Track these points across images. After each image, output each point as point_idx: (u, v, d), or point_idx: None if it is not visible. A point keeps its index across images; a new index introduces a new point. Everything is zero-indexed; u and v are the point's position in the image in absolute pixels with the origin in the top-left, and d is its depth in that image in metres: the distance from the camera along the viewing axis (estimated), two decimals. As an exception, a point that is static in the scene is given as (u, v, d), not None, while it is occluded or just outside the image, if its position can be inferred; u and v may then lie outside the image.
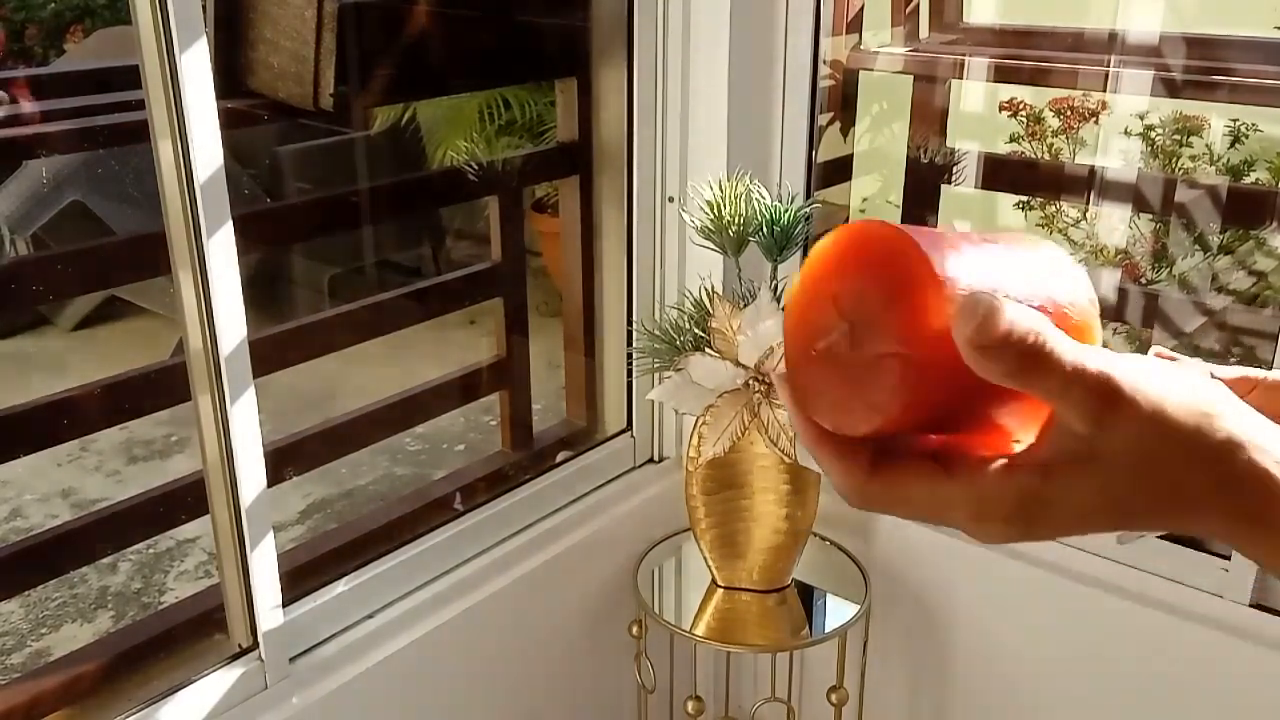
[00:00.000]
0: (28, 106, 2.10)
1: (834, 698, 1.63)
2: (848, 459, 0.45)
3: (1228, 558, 1.45)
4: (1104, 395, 0.42)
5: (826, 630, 1.58)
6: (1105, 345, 0.45)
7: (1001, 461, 0.44)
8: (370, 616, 1.46)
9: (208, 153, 1.15)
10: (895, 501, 0.45)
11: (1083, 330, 0.45)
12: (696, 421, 1.46)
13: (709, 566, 1.59)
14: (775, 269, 1.44)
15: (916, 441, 0.46)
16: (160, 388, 1.62)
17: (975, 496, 0.44)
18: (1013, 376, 0.41)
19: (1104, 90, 2.60)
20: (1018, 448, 0.45)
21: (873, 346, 0.43)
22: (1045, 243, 0.48)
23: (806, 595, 1.64)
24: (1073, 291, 0.46)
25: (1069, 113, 2.76)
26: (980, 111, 2.94)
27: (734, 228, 1.41)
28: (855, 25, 2.09)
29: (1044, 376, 0.41)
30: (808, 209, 1.45)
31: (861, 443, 0.45)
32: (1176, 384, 0.44)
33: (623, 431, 1.84)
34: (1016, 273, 0.44)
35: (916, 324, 0.42)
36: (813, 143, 1.75)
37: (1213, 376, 0.60)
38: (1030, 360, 0.41)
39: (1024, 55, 2.33)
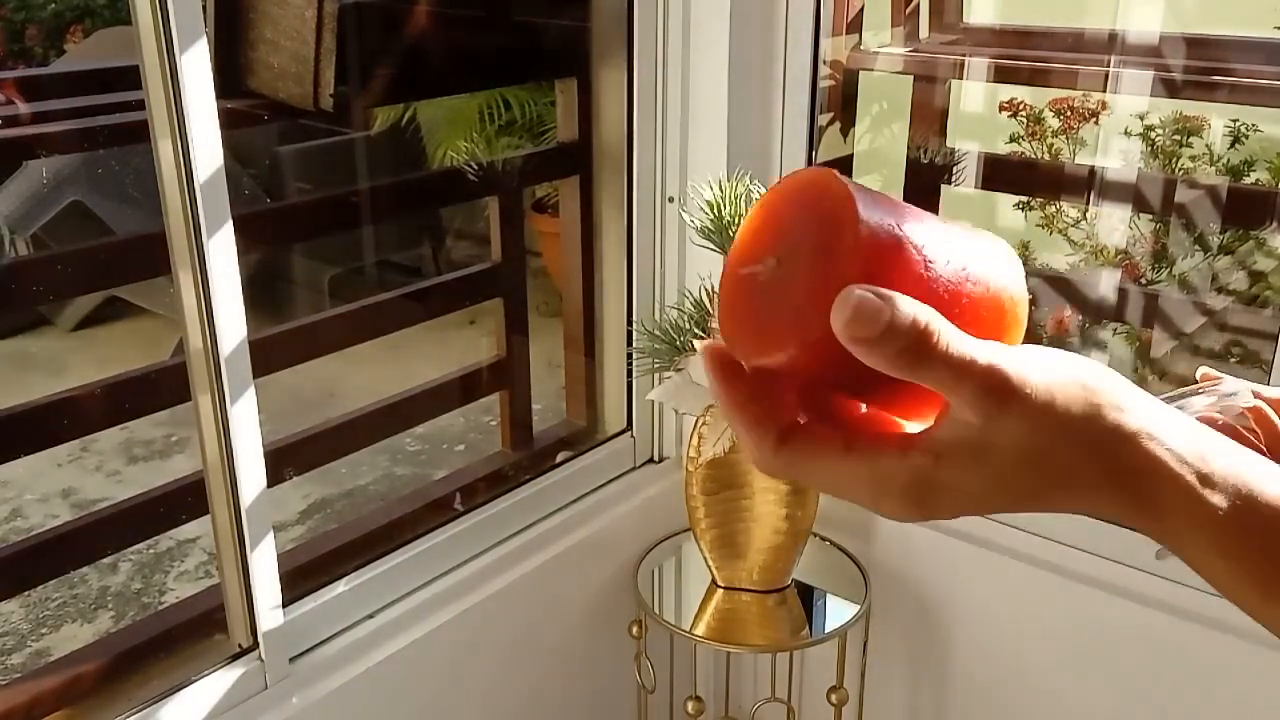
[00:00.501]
0: (28, 106, 2.10)
1: (834, 698, 1.63)
2: (756, 431, 0.46)
3: (1228, 558, 1.45)
4: (993, 389, 0.43)
5: (826, 630, 1.58)
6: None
7: (899, 442, 0.45)
8: (370, 616, 1.46)
9: (208, 153, 1.15)
10: (799, 472, 0.46)
11: (1002, 312, 0.46)
12: (696, 421, 1.46)
13: (709, 566, 1.59)
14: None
15: (834, 412, 0.46)
16: (160, 388, 1.62)
17: (872, 475, 0.45)
18: (897, 368, 0.42)
19: (1104, 90, 2.60)
20: (916, 428, 0.46)
21: (790, 284, 0.44)
22: (995, 237, 0.48)
23: (806, 595, 1.64)
24: (1001, 275, 0.46)
25: (1069, 113, 2.76)
26: (980, 111, 2.94)
27: (734, 228, 1.41)
28: (855, 25, 2.09)
29: (930, 369, 0.42)
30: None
31: (771, 415, 0.46)
32: (1067, 375, 0.44)
33: (623, 431, 1.84)
34: (946, 243, 0.44)
35: (831, 272, 0.42)
36: (813, 143, 1.75)
37: (1256, 396, 0.61)
38: (913, 353, 0.41)
39: (1024, 55, 2.33)
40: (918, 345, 0.41)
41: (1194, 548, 0.45)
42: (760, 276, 0.45)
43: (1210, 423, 0.63)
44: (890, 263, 0.42)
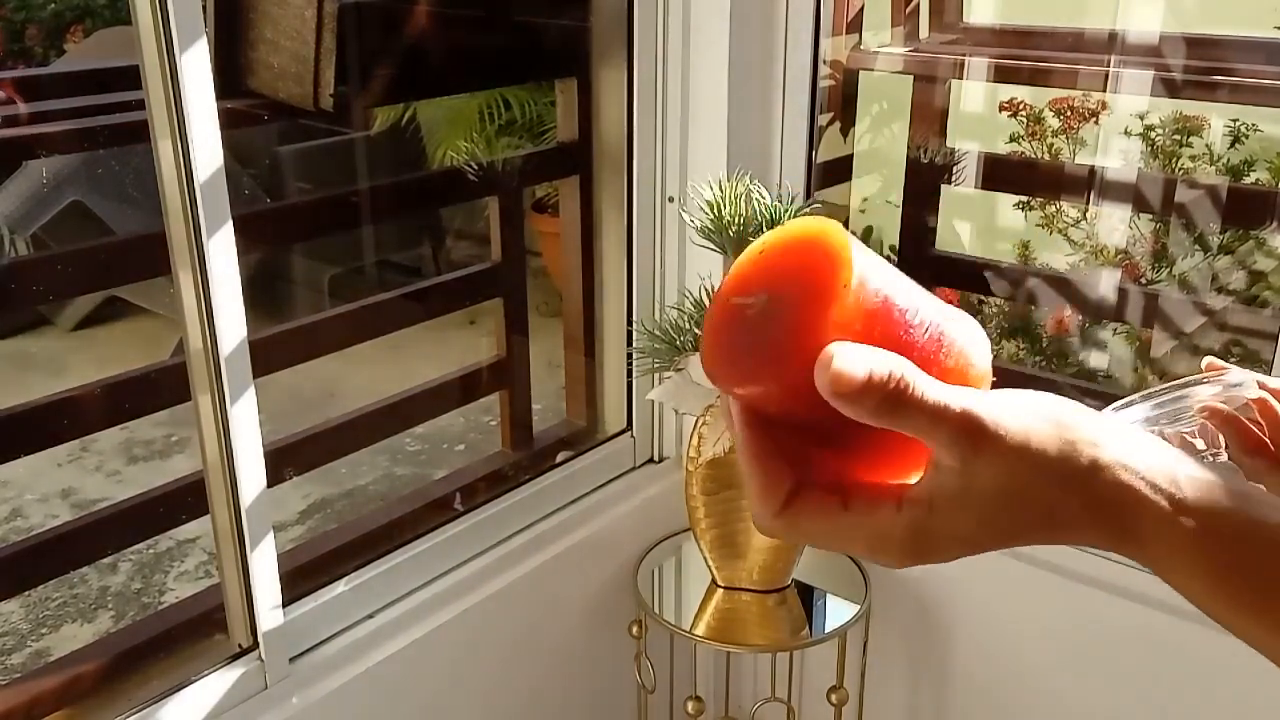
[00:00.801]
0: (28, 106, 2.10)
1: (834, 698, 1.63)
2: (771, 491, 0.48)
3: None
4: (969, 433, 0.45)
5: (826, 630, 1.58)
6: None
7: (893, 497, 0.47)
8: (370, 616, 1.46)
9: (208, 153, 1.15)
10: (800, 534, 0.49)
11: (969, 380, 0.48)
12: (696, 421, 1.46)
13: (709, 566, 1.59)
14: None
15: (826, 473, 0.49)
16: (160, 388, 1.62)
17: (870, 531, 0.48)
18: (878, 418, 0.44)
19: (1104, 90, 2.60)
20: (911, 480, 0.48)
21: (777, 322, 0.45)
22: (969, 316, 0.51)
23: (806, 595, 1.64)
24: (973, 351, 0.49)
25: (1069, 113, 2.76)
26: (980, 111, 2.94)
27: (734, 228, 1.41)
28: (855, 25, 2.09)
29: (907, 417, 0.44)
30: (808, 209, 1.45)
31: (783, 476, 0.48)
32: (1040, 414, 0.47)
33: (623, 431, 1.84)
34: (927, 312, 0.47)
35: (816, 318, 0.44)
36: (813, 143, 1.75)
37: (1261, 387, 0.61)
38: (892, 403, 0.44)
39: (1024, 55, 2.33)
40: (894, 396, 0.44)
41: (1174, 571, 0.47)
42: (750, 310, 0.47)
43: (1215, 413, 0.64)
44: (873, 320, 0.45)
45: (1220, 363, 0.63)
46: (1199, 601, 0.48)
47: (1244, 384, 0.62)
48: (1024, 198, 2.83)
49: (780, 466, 0.48)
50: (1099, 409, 0.54)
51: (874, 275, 0.45)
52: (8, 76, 3.74)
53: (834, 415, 0.45)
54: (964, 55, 2.36)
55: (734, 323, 0.47)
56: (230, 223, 1.19)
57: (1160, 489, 0.46)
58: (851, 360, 0.43)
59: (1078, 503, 0.47)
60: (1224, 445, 0.64)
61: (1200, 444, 0.64)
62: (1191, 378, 0.63)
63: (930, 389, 0.44)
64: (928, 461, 0.47)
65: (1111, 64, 2.24)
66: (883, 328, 0.45)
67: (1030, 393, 0.48)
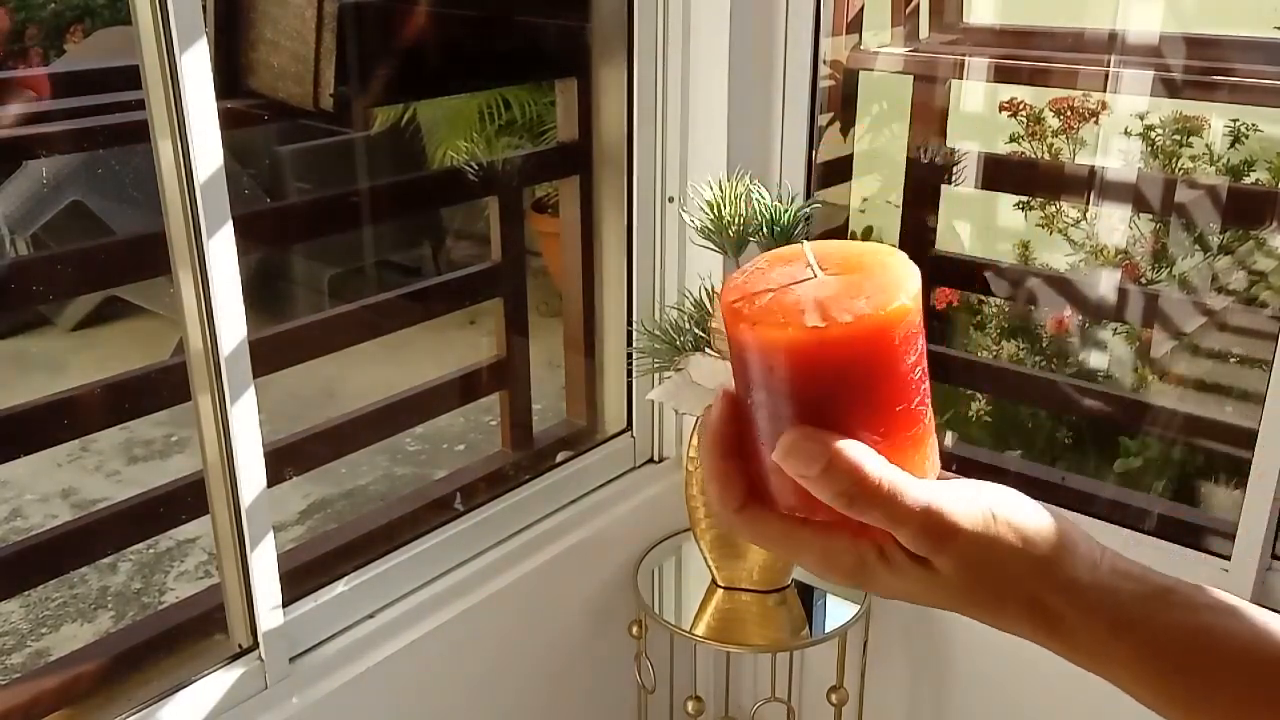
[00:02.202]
0: (27, 106, 2.10)
1: (834, 698, 1.63)
2: (728, 487, 0.50)
3: (1228, 558, 1.45)
4: (931, 529, 0.47)
5: (826, 630, 1.58)
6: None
7: (852, 528, 0.49)
8: (370, 616, 1.46)
9: (208, 153, 1.15)
10: (752, 535, 0.51)
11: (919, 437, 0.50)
12: (696, 421, 1.46)
13: (709, 566, 1.59)
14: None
15: (791, 496, 0.50)
16: (160, 388, 1.62)
17: (823, 549, 0.50)
18: (838, 506, 0.46)
19: (1104, 90, 2.60)
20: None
21: (819, 289, 0.47)
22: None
23: (806, 595, 1.64)
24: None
25: (1069, 113, 2.76)
26: (980, 111, 2.94)
27: (734, 228, 1.41)
28: (855, 25, 2.09)
29: (868, 512, 0.46)
30: (808, 209, 1.45)
31: (740, 474, 0.50)
32: (999, 512, 0.49)
33: (623, 432, 1.84)
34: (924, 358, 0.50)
35: (861, 294, 0.46)
36: (813, 143, 1.75)
37: None
38: (850, 496, 0.46)
39: (1024, 55, 2.33)
40: (854, 489, 0.46)
41: (1115, 679, 0.50)
42: (807, 273, 0.48)
43: None
44: (905, 340, 0.47)
45: None
46: (1143, 701, 0.50)
47: None
48: (1024, 198, 2.83)
49: (739, 466, 0.50)
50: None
51: (918, 313, 0.47)
52: (7, 76, 3.75)
53: (797, 402, 0.46)
54: (964, 55, 2.36)
55: (788, 271, 0.49)
56: (230, 223, 1.19)
57: (1100, 610, 0.49)
58: (807, 449, 0.45)
59: (1022, 604, 0.49)
60: None
61: None
62: None
63: (893, 483, 0.46)
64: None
65: (1111, 64, 2.24)
66: (894, 357, 0.47)
67: (987, 486, 0.50)
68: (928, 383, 0.49)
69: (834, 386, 0.46)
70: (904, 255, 0.49)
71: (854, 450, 0.45)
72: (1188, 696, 0.48)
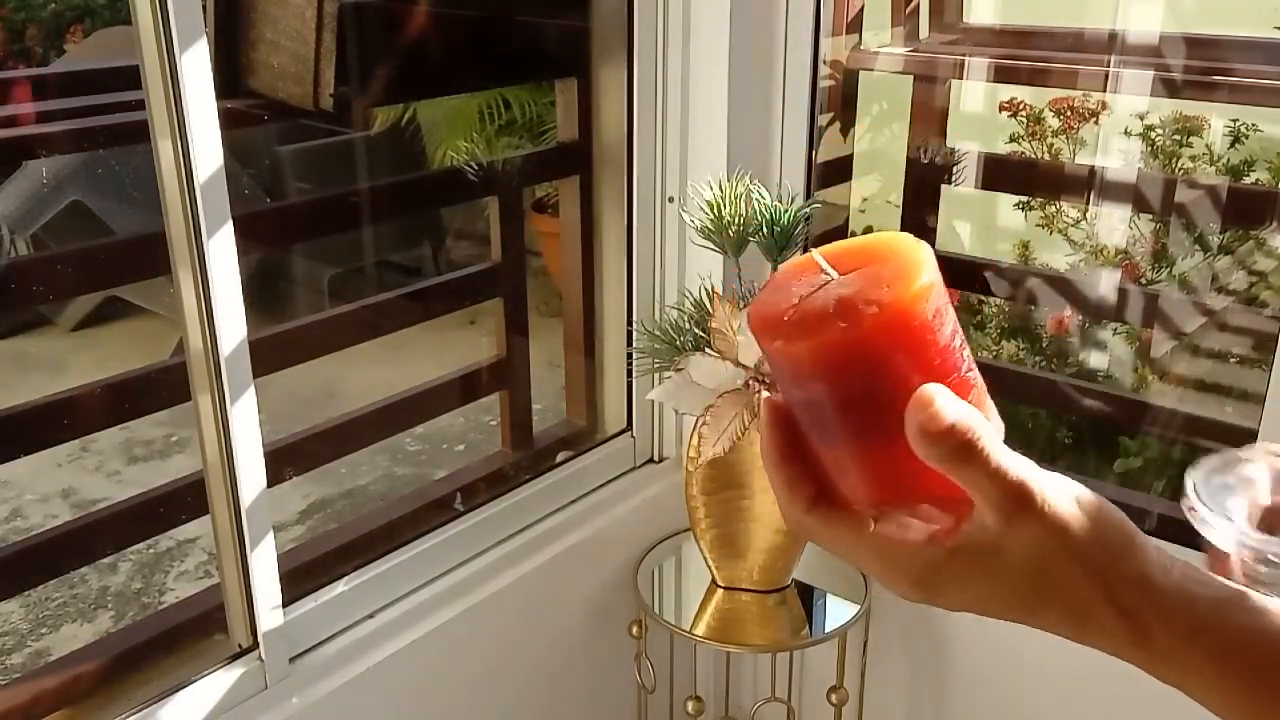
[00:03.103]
0: (27, 107, 2.10)
1: (834, 698, 1.63)
2: (795, 489, 0.51)
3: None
4: (1018, 499, 0.47)
5: (826, 630, 1.58)
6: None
7: (919, 533, 0.49)
8: (370, 616, 1.46)
9: (208, 153, 1.15)
10: (824, 538, 0.51)
11: (980, 402, 0.50)
12: (696, 421, 1.46)
13: (709, 566, 1.59)
14: (775, 269, 1.44)
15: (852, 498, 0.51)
16: (160, 388, 1.62)
17: (888, 554, 0.50)
18: (945, 464, 0.46)
19: (1104, 90, 2.60)
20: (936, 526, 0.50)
21: (834, 292, 0.47)
22: None
23: (806, 595, 1.64)
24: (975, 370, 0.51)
25: (1069, 113, 2.76)
26: (980, 111, 2.94)
27: (734, 228, 1.41)
28: (855, 25, 2.09)
29: (970, 470, 0.46)
30: (808, 209, 1.45)
31: (809, 477, 0.50)
32: (1085, 506, 0.48)
33: (623, 431, 1.84)
34: (960, 334, 0.50)
35: (872, 297, 0.46)
36: (813, 143, 1.75)
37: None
38: (962, 453, 0.46)
39: (1024, 55, 2.33)
40: (967, 446, 0.46)
41: (1185, 684, 0.49)
42: (822, 279, 0.48)
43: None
44: (927, 321, 0.47)
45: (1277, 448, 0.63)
46: (1214, 710, 0.49)
47: None
48: (1024, 198, 2.83)
49: (804, 469, 0.50)
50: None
51: (939, 292, 0.48)
52: (7, 77, 3.75)
53: (849, 401, 0.47)
54: (964, 55, 2.36)
55: (804, 281, 0.49)
56: (230, 223, 1.19)
57: (1177, 615, 0.48)
58: (945, 404, 0.45)
59: (1099, 597, 0.48)
60: None
61: None
62: (1243, 454, 0.63)
63: (996, 449, 0.46)
64: (963, 514, 0.49)
65: (1111, 64, 2.24)
66: (937, 328, 0.47)
67: (1080, 485, 0.50)
68: (969, 349, 0.49)
69: (881, 378, 0.47)
70: (910, 236, 0.49)
71: (971, 414, 0.46)
72: (1261, 702, 0.47)
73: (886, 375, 0.47)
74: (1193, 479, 0.62)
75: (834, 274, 0.48)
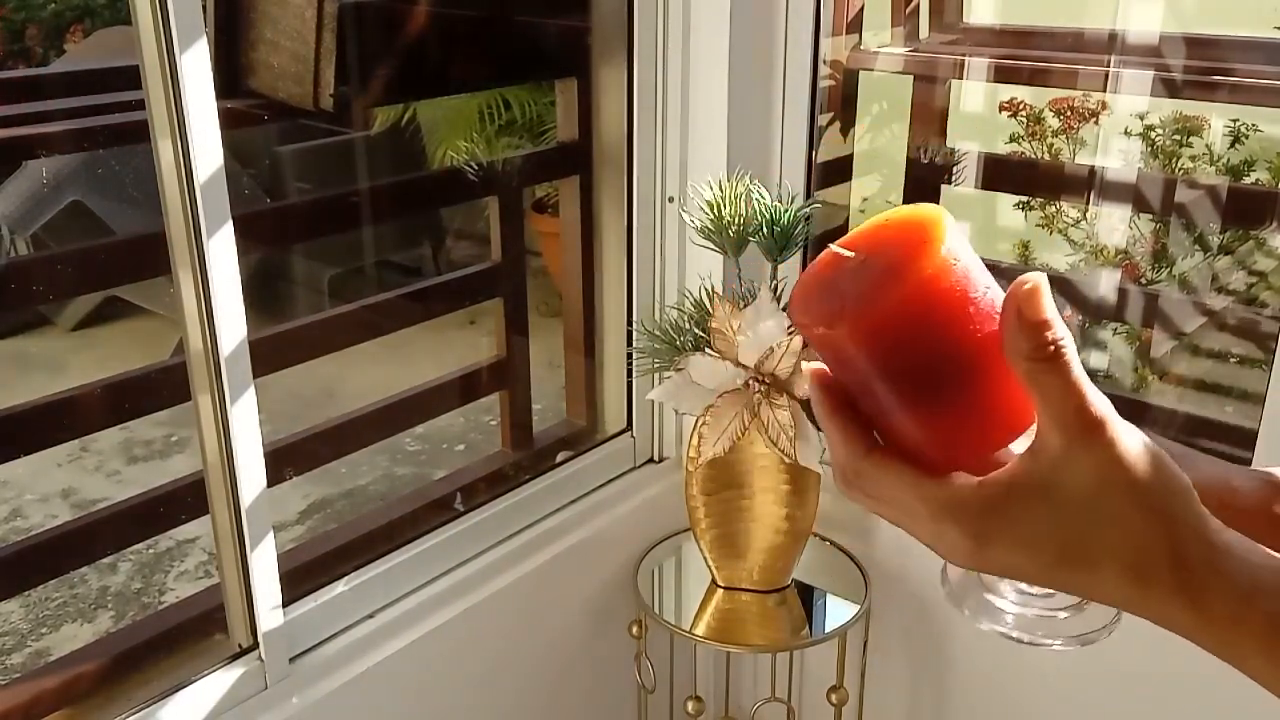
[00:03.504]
0: (28, 107, 2.10)
1: (834, 698, 1.63)
2: (851, 435, 0.50)
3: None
4: (1089, 422, 0.45)
5: (826, 630, 1.58)
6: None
7: (974, 475, 0.48)
8: (370, 616, 1.46)
9: (208, 153, 1.15)
10: (880, 485, 0.49)
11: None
12: (696, 421, 1.46)
13: (709, 566, 1.59)
14: (775, 269, 1.44)
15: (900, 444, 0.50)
16: (160, 388, 1.62)
17: (946, 497, 0.48)
18: (1030, 360, 0.45)
19: (1104, 90, 2.60)
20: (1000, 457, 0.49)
21: (865, 275, 0.48)
22: None
23: (806, 595, 1.64)
24: None
25: (1069, 113, 2.76)
26: (980, 111, 2.94)
27: (734, 228, 1.41)
28: (855, 25, 2.09)
29: (1051, 377, 0.45)
30: (808, 209, 1.45)
31: (859, 423, 0.50)
32: (1154, 451, 0.46)
33: (623, 431, 1.84)
34: (995, 284, 0.50)
35: (901, 276, 0.47)
36: (813, 143, 1.75)
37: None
38: (1049, 354, 0.45)
39: (1024, 55, 2.33)
40: (1054, 351, 0.45)
41: (1238, 649, 0.47)
42: (848, 262, 0.49)
43: None
44: (955, 283, 0.48)
45: None
46: (1263, 680, 0.48)
47: None
48: (1024, 198, 2.83)
49: (858, 421, 0.50)
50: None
51: (964, 252, 0.48)
52: (7, 77, 3.75)
53: (900, 376, 0.48)
54: (964, 55, 2.36)
55: (829, 269, 0.50)
56: (230, 223, 1.19)
57: (1248, 567, 0.46)
58: (1047, 298, 0.45)
59: (1162, 545, 0.46)
60: None
61: None
62: None
63: (1079, 366, 0.45)
64: (1020, 454, 0.48)
65: (1111, 64, 2.24)
66: (961, 290, 0.48)
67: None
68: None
69: (925, 347, 0.47)
70: (925, 205, 0.50)
71: (1067, 332, 0.46)
72: None
73: (930, 341, 0.47)
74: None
75: (856, 256, 0.49)
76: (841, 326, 0.47)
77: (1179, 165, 2.68)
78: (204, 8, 1.18)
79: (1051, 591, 0.60)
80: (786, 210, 1.41)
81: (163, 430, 3.51)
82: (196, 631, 1.45)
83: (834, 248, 0.50)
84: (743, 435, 1.41)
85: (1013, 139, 2.85)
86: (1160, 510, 0.46)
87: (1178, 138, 2.68)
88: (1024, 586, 0.60)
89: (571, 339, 1.91)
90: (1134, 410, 2.44)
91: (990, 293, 0.48)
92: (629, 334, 1.78)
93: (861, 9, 2.09)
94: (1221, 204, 2.45)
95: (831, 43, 1.90)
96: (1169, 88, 2.18)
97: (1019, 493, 0.47)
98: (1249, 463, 1.42)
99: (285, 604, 1.35)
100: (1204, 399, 2.58)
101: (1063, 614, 0.62)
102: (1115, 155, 2.80)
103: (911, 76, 2.30)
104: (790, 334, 1.39)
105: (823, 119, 1.83)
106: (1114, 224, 2.73)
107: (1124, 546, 0.46)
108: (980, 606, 0.61)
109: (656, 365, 1.45)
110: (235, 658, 1.32)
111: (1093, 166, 2.70)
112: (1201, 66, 2.06)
